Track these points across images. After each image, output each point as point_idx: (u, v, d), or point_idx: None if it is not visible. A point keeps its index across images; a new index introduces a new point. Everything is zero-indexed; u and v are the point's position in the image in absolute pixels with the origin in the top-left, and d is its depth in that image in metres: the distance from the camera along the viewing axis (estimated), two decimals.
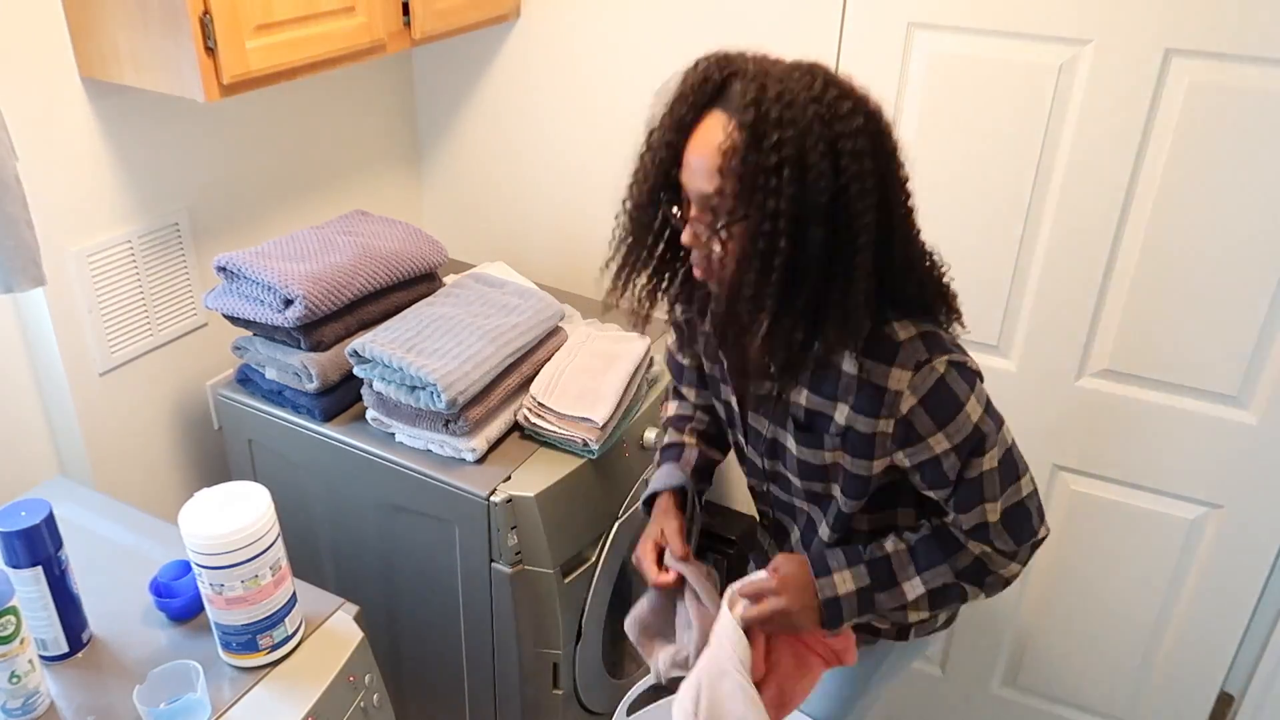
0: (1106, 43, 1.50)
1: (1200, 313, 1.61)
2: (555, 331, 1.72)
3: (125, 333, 1.61)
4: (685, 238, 1.08)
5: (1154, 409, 1.71)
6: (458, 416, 1.49)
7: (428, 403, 1.47)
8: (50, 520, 1.16)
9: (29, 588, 1.16)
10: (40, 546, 1.15)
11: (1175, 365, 1.67)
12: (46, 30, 1.40)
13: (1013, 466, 1.14)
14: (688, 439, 1.42)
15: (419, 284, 1.73)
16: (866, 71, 1.67)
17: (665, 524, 1.34)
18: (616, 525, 1.66)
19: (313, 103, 1.88)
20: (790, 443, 1.21)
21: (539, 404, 1.56)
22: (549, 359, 1.66)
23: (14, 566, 1.15)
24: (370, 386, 1.54)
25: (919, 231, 1.12)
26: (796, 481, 1.25)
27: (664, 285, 1.19)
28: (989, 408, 1.12)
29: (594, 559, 1.63)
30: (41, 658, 1.19)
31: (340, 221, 1.77)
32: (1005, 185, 1.65)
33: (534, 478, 1.51)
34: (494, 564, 1.53)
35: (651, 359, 1.73)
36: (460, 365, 1.48)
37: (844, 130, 0.98)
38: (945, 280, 1.16)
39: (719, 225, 1.03)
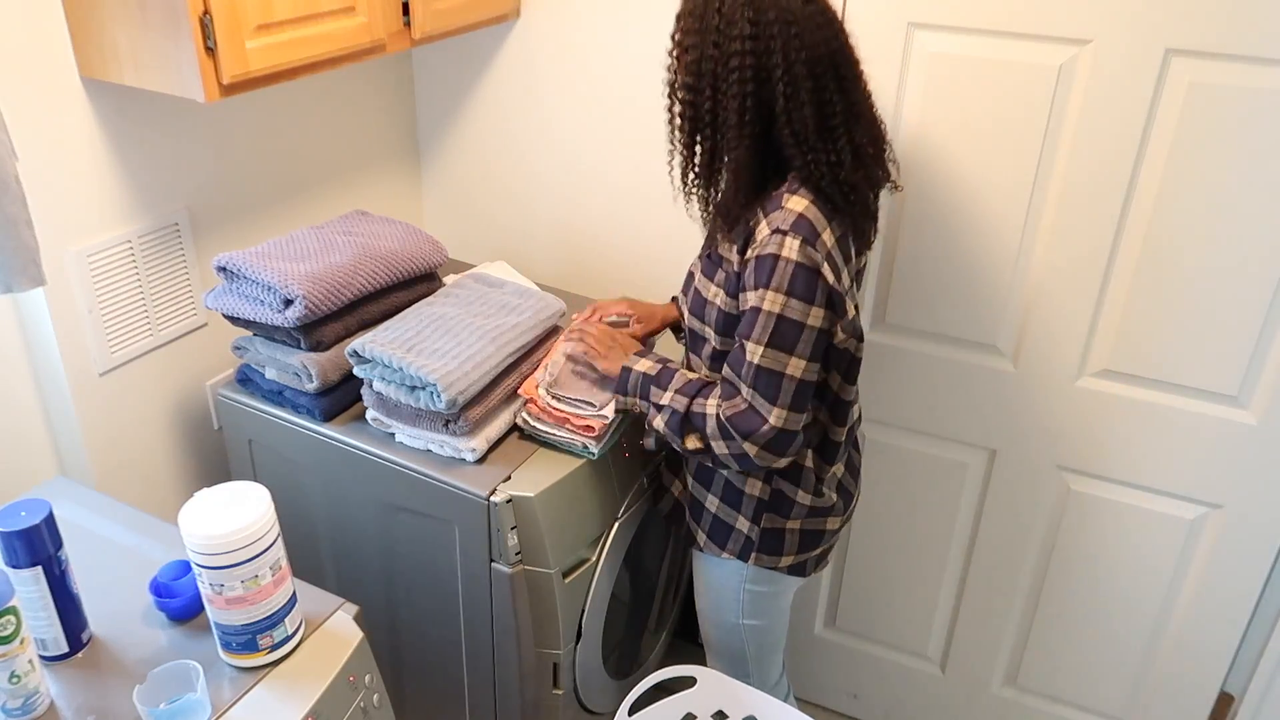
0: (1106, 43, 1.50)
1: (1200, 313, 1.61)
2: (555, 331, 1.72)
3: (125, 333, 1.61)
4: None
5: (1154, 409, 1.71)
6: (458, 416, 1.49)
7: (428, 403, 1.47)
8: (50, 520, 1.16)
9: (29, 588, 1.16)
10: (40, 546, 1.15)
11: (1175, 365, 1.67)
12: (46, 30, 1.39)
13: (770, 386, 1.29)
14: None
15: (419, 284, 1.73)
16: (866, 72, 1.67)
17: (638, 308, 1.68)
18: (616, 525, 1.66)
19: (313, 103, 1.88)
20: (698, 276, 1.43)
21: (548, 390, 1.55)
22: (548, 355, 1.66)
23: (14, 566, 1.15)
24: (370, 386, 1.54)
25: (843, 120, 1.28)
26: (688, 316, 1.46)
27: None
28: (788, 323, 1.27)
29: (594, 559, 1.63)
30: (41, 658, 1.19)
31: (340, 221, 1.77)
32: (1005, 185, 1.65)
33: (534, 478, 1.51)
34: (494, 564, 1.53)
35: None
36: (460, 365, 1.48)
37: (729, 18, 1.22)
38: (871, 177, 1.35)
39: (671, 92, 1.30)
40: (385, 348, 1.50)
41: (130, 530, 1.43)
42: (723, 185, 1.33)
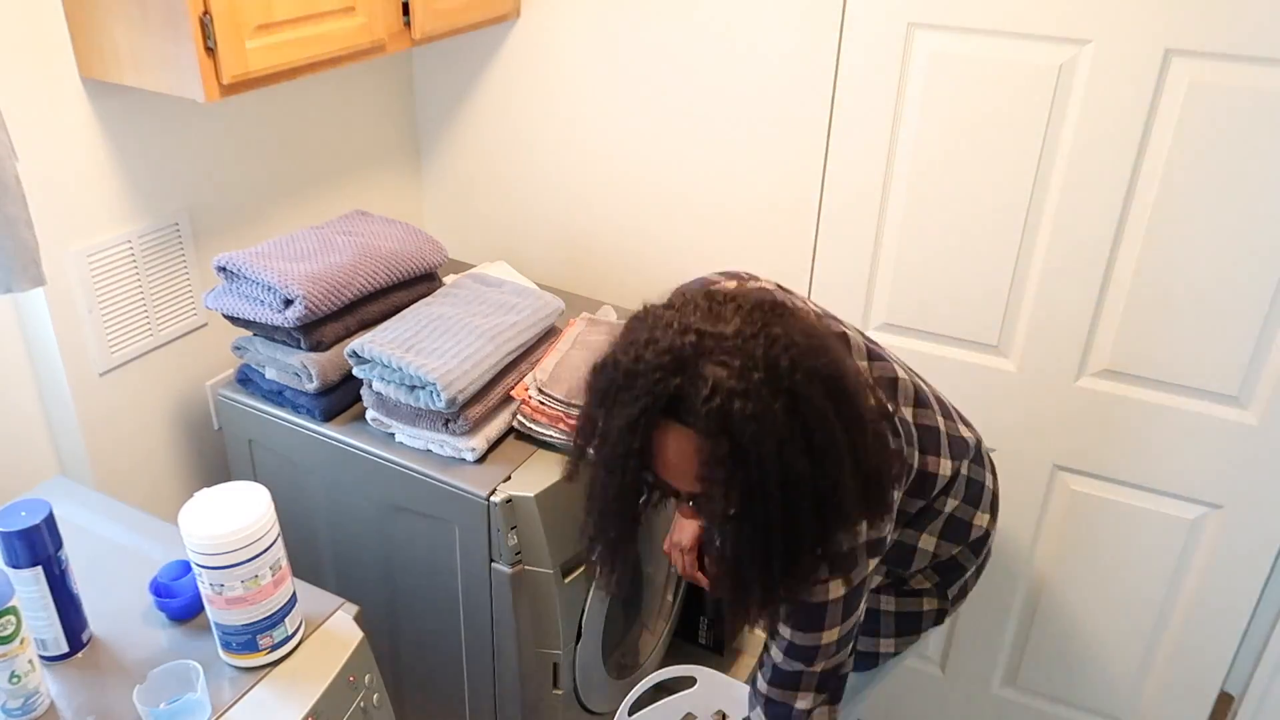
0: (1106, 43, 1.50)
1: (1200, 313, 1.61)
2: (554, 330, 1.72)
3: (125, 333, 1.61)
4: (685, 514, 1.10)
5: (1154, 409, 1.71)
6: (457, 415, 1.49)
7: (427, 402, 1.47)
8: (50, 520, 1.16)
9: (29, 588, 1.16)
10: (40, 546, 1.15)
11: (1175, 365, 1.67)
12: (46, 30, 1.39)
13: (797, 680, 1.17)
14: None
15: (419, 284, 1.73)
16: (867, 72, 1.67)
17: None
18: None
19: (313, 103, 1.88)
20: None
21: (540, 390, 1.55)
22: (547, 355, 1.66)
23: (14, 566, 1.15)
24: (370, 387, 1.54)
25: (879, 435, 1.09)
26: None
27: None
28: (841, 641, 1.16)
29: (594, 559, 1.63)
30: (41, 658, 1.19)
31: (340, 221, 1.77)
32: (1005, 185, 1.65)
33: (534, 478, 1.51)
34: (494, 564, 1.53)
35: None
36: (459, 364, 1.48)
37: (809, 413, 0.95)
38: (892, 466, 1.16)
39: (716, 523, 1.03)
40: (384, 348, 1.50)
41: (130, 530, 1.43)
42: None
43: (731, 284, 1.22)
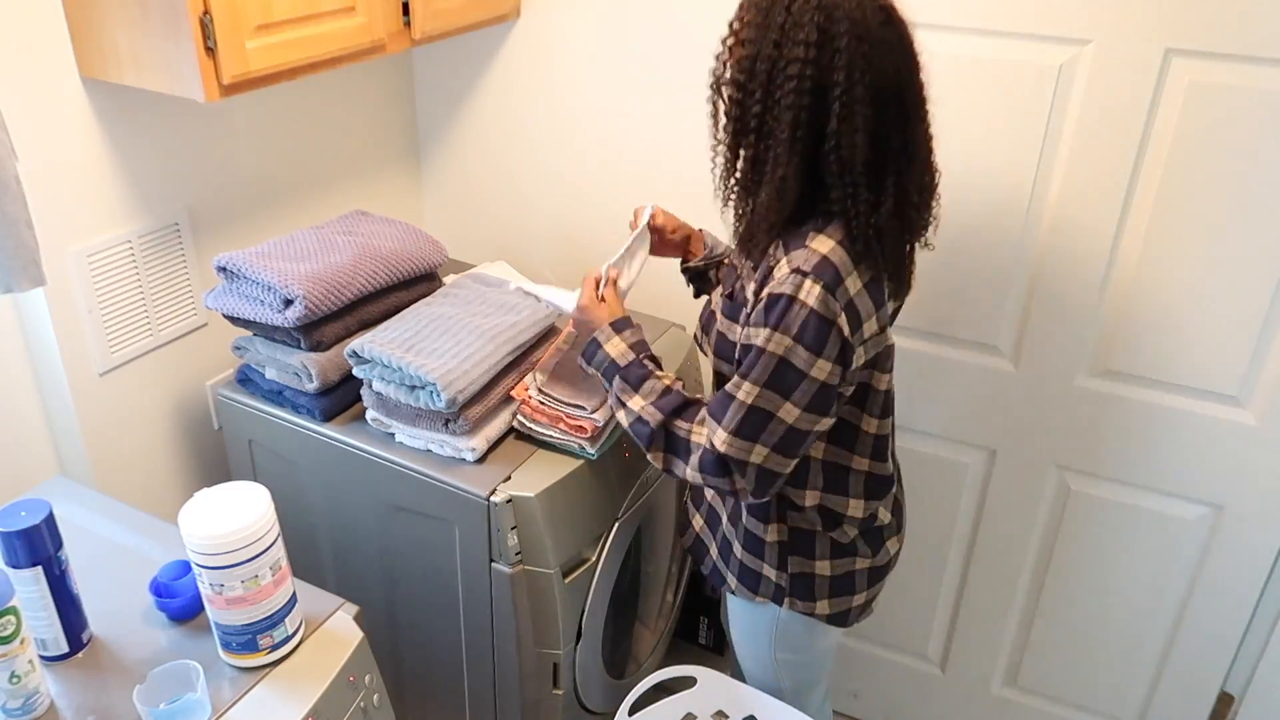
0: (1106, 43, 1.50)
1: (1200, 313, 1.61)
2: (554, 330, 1.72)
3: (125, 333, 1.61)
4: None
5: (1154, 409, 1.71)
6: (457, 415, 1.49)
7: (427, 402, 1.47)
8: (50, 520, 1.16)
9: (29, 588, 1.16)
10: (40, 546, 1.15)
11: (1175, 365, 1.67)
12: (46, 30, 1.40)
13: (754, 426, 1.20)
14: None
15: (419, 284, 1.73)
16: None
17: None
18: (616, 525, 1.66)
19: (313, 103, 1.88)
20: (719, 314, 1.34)
21: (540, 390, 1.55)
22: (546, 356, 1.66)
23: (14, 566, 1.15)
24: (370, 387, 1.54)
25: (896, 159, 1.19)
26: (710, 356, 1.36)
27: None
28: (788, 368, 1.18)
29: (594, 559, 1.63)
30: (41, 658, 1.19)
31: (340, 221, 1.77)
32: (1005, 185, 1.65)
33: (534, 478, 1.51)
34: (494, 564, 1.53)
35: None
36: (459, 364, 1.49)
37: (796, 21, 1.11)
38: (912, 225, 1.25)
39: (717, 86, 1.22)
40: (384, 348, 1.50)
41: (130, 530, 1.43)
42: (762, 199, 1.19)
43: None
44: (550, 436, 1.56)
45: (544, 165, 2.08)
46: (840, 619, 1.46)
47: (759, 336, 1.19)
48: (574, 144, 2.02)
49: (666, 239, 1.57)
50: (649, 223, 1.54)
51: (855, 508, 1.38)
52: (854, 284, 1.19)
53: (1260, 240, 1.53)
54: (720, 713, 1.60)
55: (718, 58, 1.22)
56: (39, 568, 1.16)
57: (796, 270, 1.16)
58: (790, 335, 1.16)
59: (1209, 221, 1.55)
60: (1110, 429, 1.76)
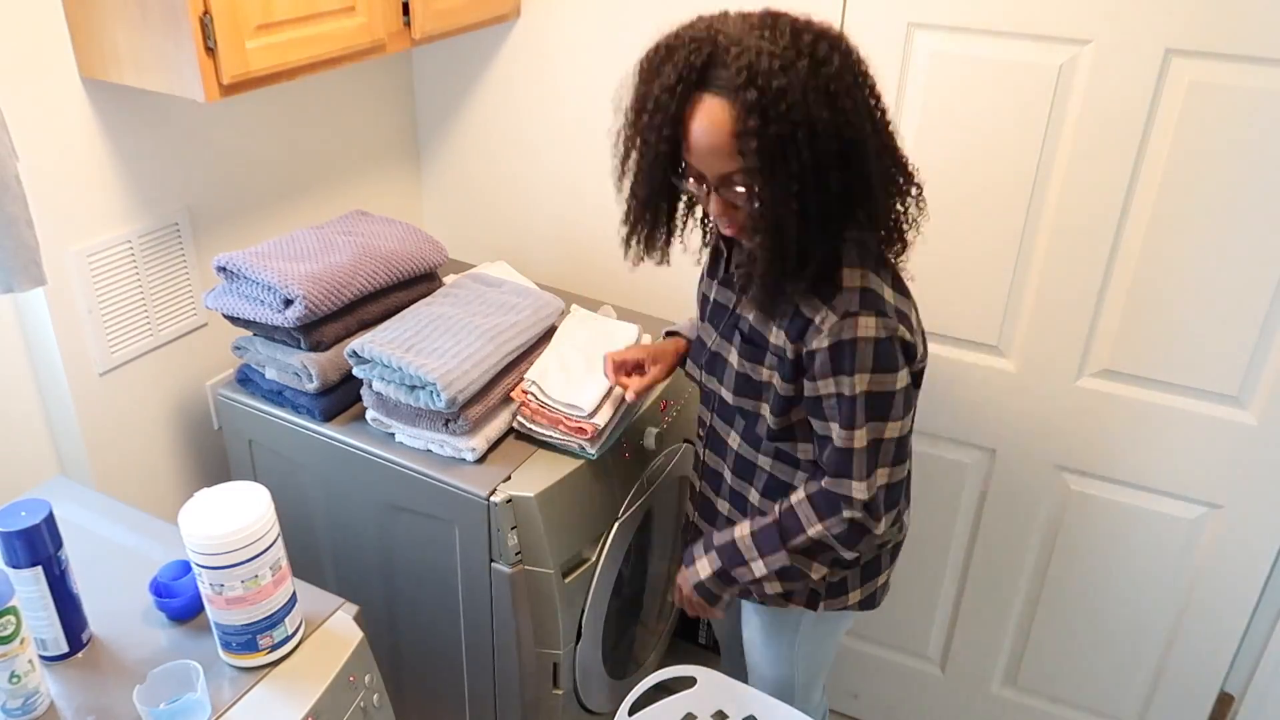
0: (1106, 43, 1.50)
1: (1200, 313, 1.61)
2: (554, 330, 1.72)
3: (125, 333, 1.61)
4: (714, 209, 1.18)
5: (1154, 409, 1.71)
6: (457, 415, 1.49)
7: (427, 402, 1.47)
8: (50, 520, 1.16)
9: (29, 588, 1.16)
10: (40, 546, 1.15)
11: (1175, 365, 1.67)
12: (46, 30, 1.39)
13: (874, 459, 1.23)
14: None
15: (419, 284, 1.73)
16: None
17: (650, 351, 1.56)
18: (616, 525, 1.66)
19: (313, 103, 1.88)
20: (733, 356, 1.33)
21: (535, 385, 1.55)
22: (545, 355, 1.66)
23: (14, 566, 1.15)
24: (370, 387, 1.54)
25: (897, 149, 1.21)
26: (729, 396, 1.35)
27: (680, 235, 1.34)
28: (881, 396, 1.20)
29: (594, 559, 1.63)
30: (41, 658, 1.19)
31: (340, 221, 1.77)
32: (1005, 185, 1.65)
33: (534, 478, 1.51)
34: (494, 564, 1.53)
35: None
36: (459, 364, 1.49)
37: (831, 74, 1.07)
38: (907, 205, 1.24)
39: (753, 193, 1.12)
40: (384, 347, 1.50)
41: (130, 530, 1.43)
42: (808, 272, 1.18)
43: None
44: (550, 437, 1.56)
45: (544, 165, 2.08)
46: (869, 603, 1.48)
47: (840, 385, 1.20)
48: (574, 144, 2.02)
49: (668, 366, 1.57)
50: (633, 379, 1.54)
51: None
52: (889, 293, 1.22)
53: (1260, 240, 1.53)
54: (720, 713, 1.60)
55: (739, 156, 1.11)
56: (39, 568, 1.16)
57: (845, 314, 1.18)
58: (869, 370, 1.19)
59: (1209, 221, 1.55)
60: (1110, 429, 1.76)
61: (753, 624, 1.58)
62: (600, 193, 2.04)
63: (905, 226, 1.23)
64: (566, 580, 1.58)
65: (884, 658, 2.19)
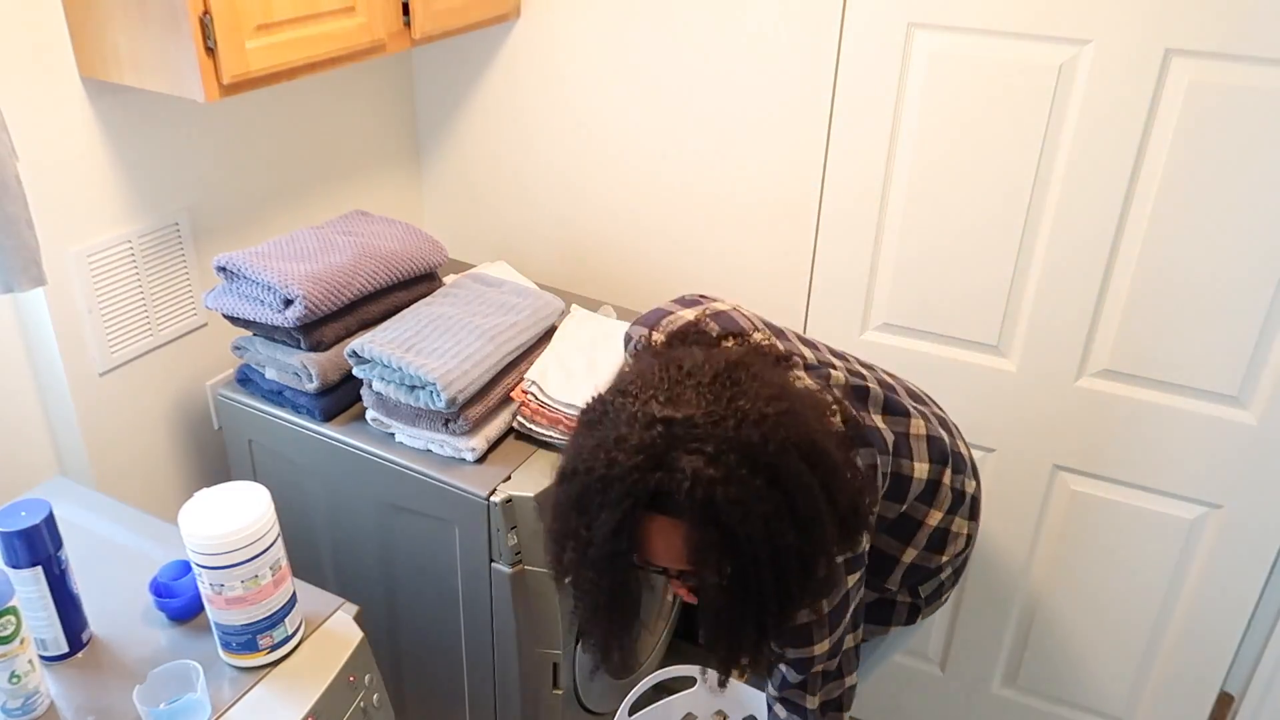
0: (1106, 43, 1.50)
1: (1200, 313, 1.61)
2: (554, 330, 1.72)
3: (125, 333, 1.61)
4: (677, 588, 1.08)
5: (1154, 409, 1.71)
6: (457, 415, 1.49)
7: (427, 402, 1.47)
8: (50, 520, 1.16)
9: (29, 588, 1.16)
10: (40, 546, 1.15)
11: (1175, 365, 1.67)
12: (46, 30, 1.39)
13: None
14: None
15: (419, 284, 1.73)
16: (867, 72, 1.67)
17: None
18: None
19: (313, 103, 1.88)
20: None
21: (535, 385, 1.55)
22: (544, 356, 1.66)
23: (14, 566, 1.15)
24: (370, 387, 1.54)
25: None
26: None
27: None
28: (832, 650, 1.19)
29: None
30: (41, 658, 1.19)
31: (340, 221, 1.77)
32: (1005, 185, 1.65)
33: (534, 478, 1.51)
34: (494, 564, 1.53)
35: None
36: (459, 364, 1.49)
37: (790, 483, 0.95)
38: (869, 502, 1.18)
39: (708, 596, 1.02)
40: (384, 348, 1.50)
41: (130, 530, 1.43)
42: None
43: (689, 313, 1.22)
44: (550, 437, 1.56)
45: (544, 165, 2.08)
46: (912, 616, 1.48)
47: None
48: (574, 144, 2.02)
49: None
50: None
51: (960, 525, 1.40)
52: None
53: (1260, 240, 1.53)
54: (720, 713, 1.60)
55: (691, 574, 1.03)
56: (39, 568, 1.16)
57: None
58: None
59: (1209, 221, 1.55)
60: (1110, 429, 1.76)
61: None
62: (600, 193, 2.04)
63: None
64: (567, 580, 1.57)
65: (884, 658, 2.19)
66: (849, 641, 1.23)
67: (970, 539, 1.44)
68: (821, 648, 1.19)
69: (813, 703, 1.25)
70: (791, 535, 0.96)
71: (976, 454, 1.90)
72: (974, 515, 1.44)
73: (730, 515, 0.93)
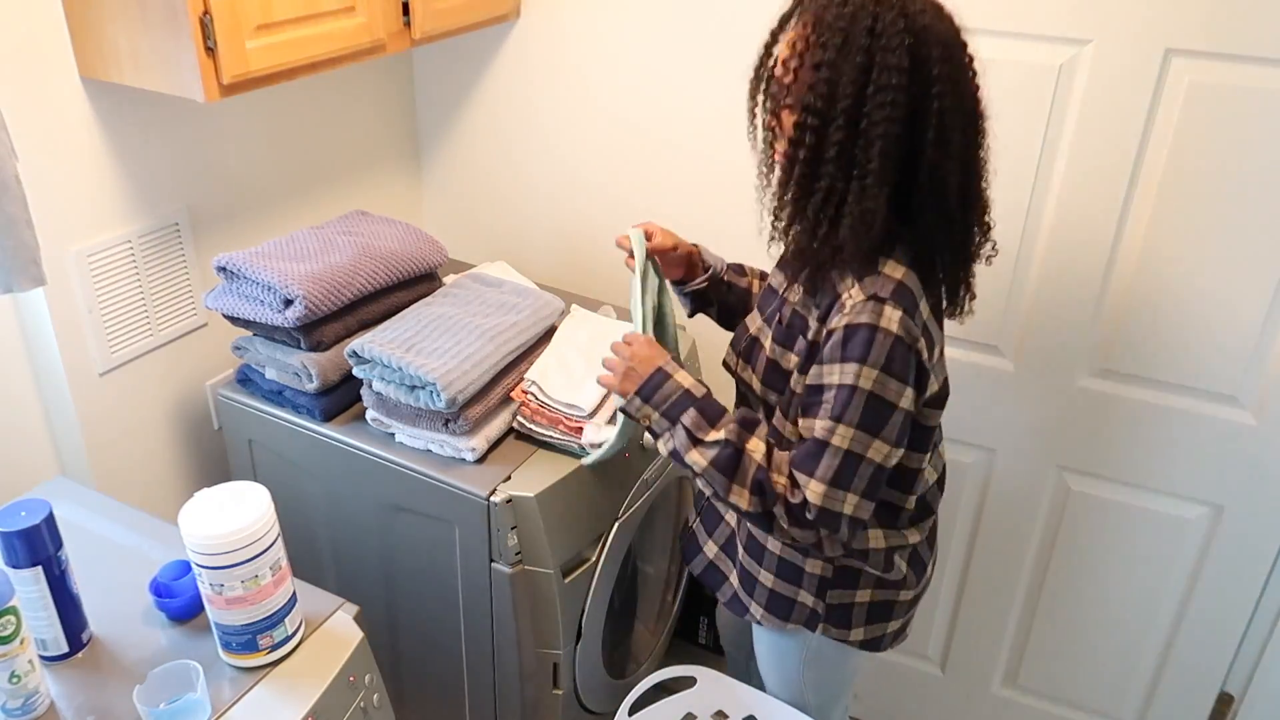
0: (1106, 43, 1.50)
1: (1200, 313, 1.61)
2: (554, 330, 1.72)
3: (125, 333, 1.61)
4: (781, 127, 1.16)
5: (1154, 409, 1.71)
6: (457, 415, 1.49)
7: (427, 402, 1.47)
8: (50, 520, 1.16)
9: (29, 588, 1.16)
10: (40, 546, 1.15)
11: (1175, 365, 1.67)
12: (46, 30, 1.40)
13: (850, 472, 1.14)
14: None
15: (419, 284, 1.73)
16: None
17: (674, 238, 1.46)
18: (616, 525, 1.66)
19: (313, 103, 1.88)
20: (767, 341, 1.28)
21: (535, 385, 1.56)
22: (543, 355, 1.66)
23: (14, 566, 1.15)
24: (370, 387, 1.54)
25: (976, 181, 1.17)
26: (757, 385, 1.30)
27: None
28: (881, 403, 1.12)
29: (594, 559, 1.63)
30: (41, 658, 1.19)
31: (340, 221, 1.77)
32: (1005, 185, 1.65)
33: (534, 478, 1.51)
34: (494, 564, 1.53)
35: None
36: (459, 364, 1.49)
37: (886, 45, 1.04)
38: (977, 247, 1.21)
39: (777, 108, 1.13)
40: (384, 348, 1.50)
41: (130, 530, 1.43)
42: (844, 233, 1.11)
43: None
44: (550, 437, 1.56)
45: (544, 165, 2.08)
46: (874, 645, 1.41)
47: (845, 373, 1.12)
48: (574, 144, 2.02)
49: (668, 258, 1.45)
50: (647, 246, 1.38)
51: (910, 535, 1.37)
52: (925, 309, 1.17)
53: (1260, 240, 1.53)
54: (720, 713, 1.60)
55: (777, 79, 1.13)
56: (39, 568, 1.16)
57: (874, 297, 1.12)
58: (879, 367, 1.11)
59: (1209, 222, 1.55)
60: (1110, 429, 1.76)
61: (761, 644, 1.52)
62: (601, 193, 2.04)
63: (965, 268, 1.20)
64: (566, 580, 1.58)
65: (884, 658, 2.19)
66: (878, 451, 1.14)
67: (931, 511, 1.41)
68: (836, 437, 1.13)
69: (816, 495, 1.15)
70: (857, 73, 1.06)
71: (977, 454, 1.90)
72: (933, 537, 1.44)
73: (830, 10, 1.08)
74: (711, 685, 1.59)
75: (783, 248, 1.20)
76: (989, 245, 1.23)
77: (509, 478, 1.51)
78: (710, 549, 1.49)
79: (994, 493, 1.91)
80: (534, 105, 2.03)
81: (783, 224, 1.17)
